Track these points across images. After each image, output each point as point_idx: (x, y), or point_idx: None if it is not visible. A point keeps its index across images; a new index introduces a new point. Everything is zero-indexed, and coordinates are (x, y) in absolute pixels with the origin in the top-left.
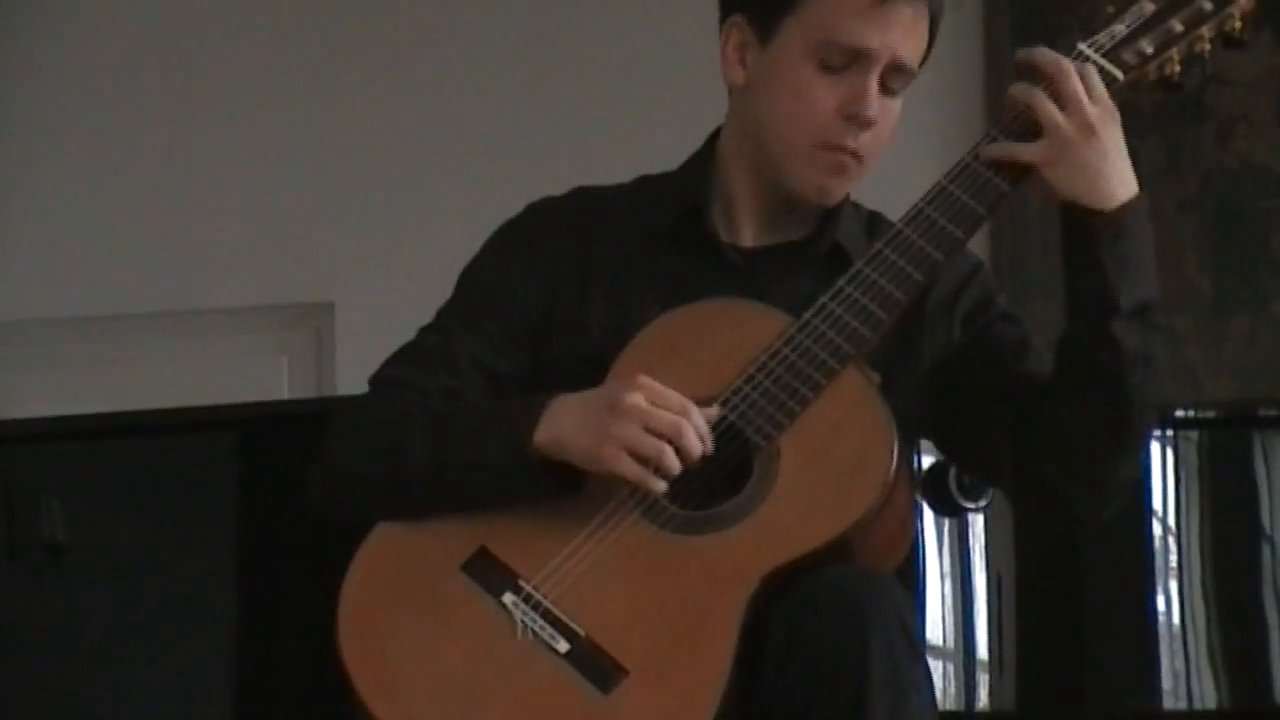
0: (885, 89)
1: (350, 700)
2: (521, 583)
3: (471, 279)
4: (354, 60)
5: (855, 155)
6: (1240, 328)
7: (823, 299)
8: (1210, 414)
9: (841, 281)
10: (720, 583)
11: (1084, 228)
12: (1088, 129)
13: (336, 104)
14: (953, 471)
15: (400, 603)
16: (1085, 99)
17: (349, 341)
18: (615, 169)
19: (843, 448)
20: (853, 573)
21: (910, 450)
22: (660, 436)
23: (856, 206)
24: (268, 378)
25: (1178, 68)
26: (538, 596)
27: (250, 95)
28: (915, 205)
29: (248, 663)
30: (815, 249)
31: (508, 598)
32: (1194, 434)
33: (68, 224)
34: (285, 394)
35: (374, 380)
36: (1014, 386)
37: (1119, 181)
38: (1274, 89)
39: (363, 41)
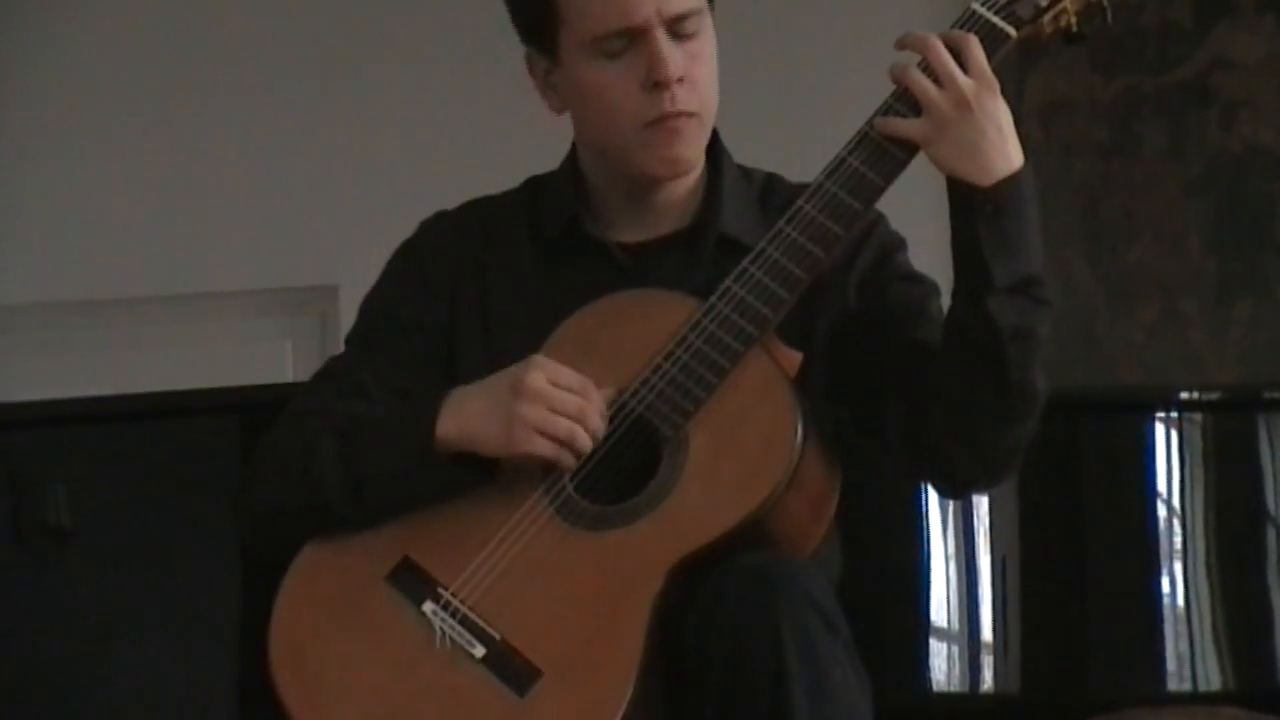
0: (678, 37)
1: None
2: (440, 590)
3: (373, 304)
4: (358, 43)
5: (684, 115)
6: (1245, 311)
7: (727, 282)
8: (1214, 396)
9: (745, 263)
10: (630, 577)
11: (964, 203)
12: (963, 104)
13: (340, 87)
14: None
15: (329, 619)
16: (957, 73)
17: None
18: None
19: (749, 432)
20: (762, 557)
21: (828, 423)
22: (566, 416)
23: (748, 175)
24: (272, 361)
25: (1074, 19)
26: (455, 603)
27: (254, 78)
28: (816, 179)
29: (252, 647)
30: (702, 240)
31: (427, 606)
32: (1198, 417)
33: (72, 207)
34: (289, 377)
35: (284, 413)
36: (905, 353)
37: (997, 156)
38: (1278, 72)
39: (367, 26)
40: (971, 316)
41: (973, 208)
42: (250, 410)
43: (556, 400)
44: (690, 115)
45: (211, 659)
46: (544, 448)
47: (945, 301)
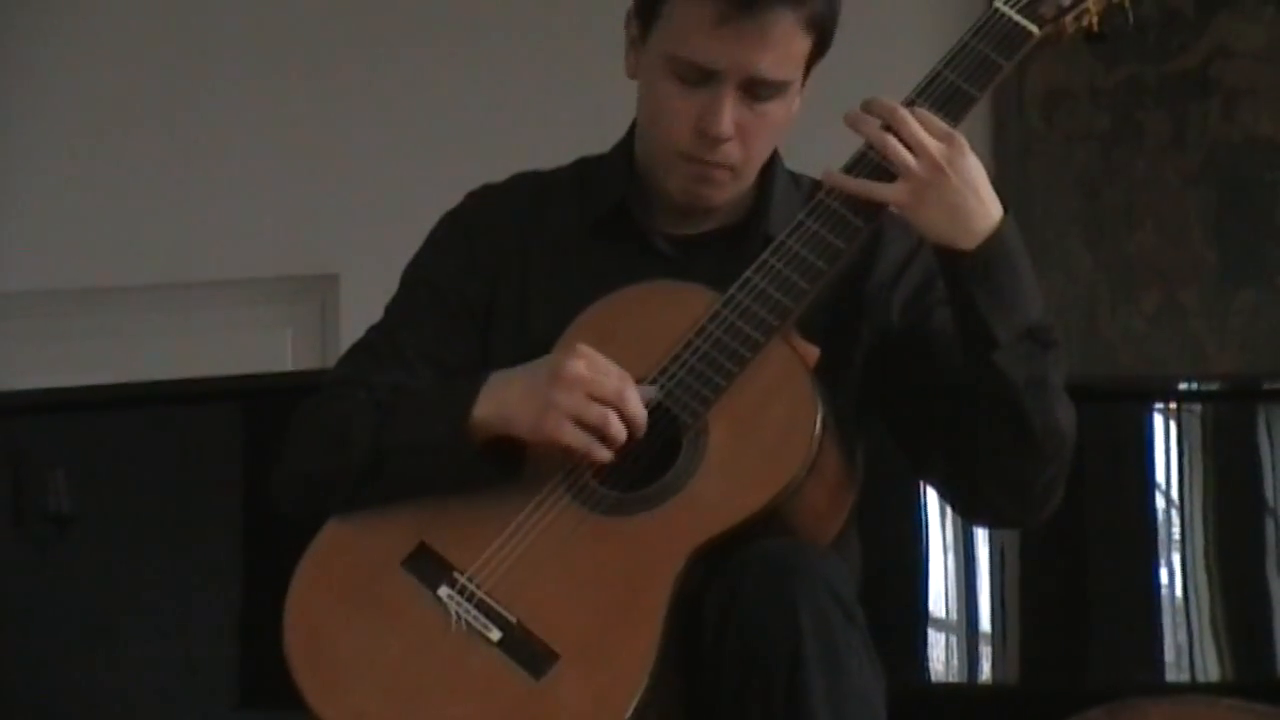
0: (754, 98)
1: (299, 701)
2: (456, 574)
3: (415, 274)
4: (358, 33)
5: (721, 166)
6: (1246, 300)
7: (747, 274)
8: (1214, 386)
9: (765, 255)
10: (649, 562)
11: (953, 268)
12: (937, 169)
13: (341, 76)
14: None
15: (344, 602)
16: (926, 138)
17: (353, 314)
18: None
19: (768, 420)
20: (783, 544)
21: (854, 426)
22: (603, 403)
23: (796, 180)
24: (272, 349)
25: (1096, 18)
26: (471, 587)
27: (255, 67)
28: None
29: (251, 634)
30: (748, 240)
31: (443, 590)
32: (1198, 406)
33: (73, 196)
34: (289, 365)
35: (326, 381)
36: (947, 383)
37: (979, 216)
38: (1279, 61)
39: (367, 15)
40: (982, 375)
41: (962, 273)
42: (250, 397)
43: (594, 386)
44: (728, 168)
45: (211, 644)
46: (576, 437)
47: None
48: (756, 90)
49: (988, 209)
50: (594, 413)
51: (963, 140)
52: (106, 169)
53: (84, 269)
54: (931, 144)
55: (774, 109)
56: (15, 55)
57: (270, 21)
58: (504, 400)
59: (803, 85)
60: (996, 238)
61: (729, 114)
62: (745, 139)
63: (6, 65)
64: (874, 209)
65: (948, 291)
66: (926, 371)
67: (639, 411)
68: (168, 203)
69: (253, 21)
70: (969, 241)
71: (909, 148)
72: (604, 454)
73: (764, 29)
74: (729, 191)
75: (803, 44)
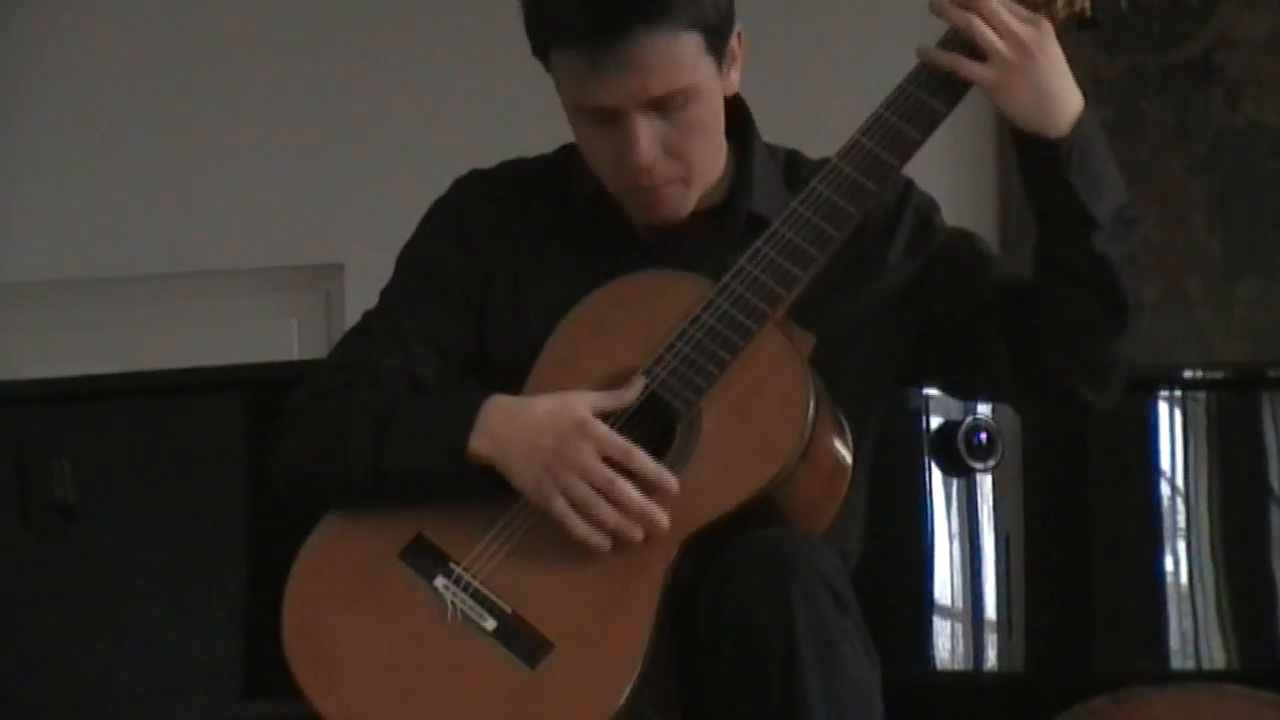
0: (665, 111)
1: (298, 695)
2: (452, 565)
3: (410, 260)
4: (364, 24)
5: (665, 184)
6: (1249, 289)
7: (740, 262)
8: (1219, 375)
9: (758, 243)
10: (642, 550)
11: (1047, 155)
12: (1025, 52)
13: (346, 66)
14: (961, 432)
15: (342, 594)
16: (1013, 21)
17: (359, 303)
18: None
19: (761, 407)
20: (775, 534)
21: (857, 409)
22: (597, 490)
23: (772, 151)
24: (278, 339)
25: (1088, 3)
26: (467, 577)
27: (261, 57)
28: (830, 161)
29: (257, 625)
30: (732, 220)
31: (439, 581)
32: (1202, 395)
33: (78, 187)
34: (295, 355)
35: (326, 366)
36: (992, 296)
37: (1066, 100)
38: None
39: (371, 6)
40: (1081, 258)
41: (1058, 158)
42: (256, 387)
43: (593, 475)
44: (675, 182)
45: (217, 634)
46: (563, 512)
47: None
48: (662, 106)
49: (1073, 93)
50: (595, 511)
51: (1049, 25)
52: (110, 159)
53: (89, 259)
54: (1019, 27)
55: (692, 112)
56: (17, 45)
57: (274, 11)
58: (505, 453)
59: (721, 68)
60: (1084, 119)
61: (643, 141)
62: (675, 151)
63: (8, 55)
64: (887, 171)
65: (1040, 181)
66: (965, 295)
67: (629, 499)
68: (172, 192)
69: (256, 11)
70: (1058, 127)
71: (996, 31)
72: (583, 531)
73: (633, 57)
74: (691, 200)
75: (688, 44)
